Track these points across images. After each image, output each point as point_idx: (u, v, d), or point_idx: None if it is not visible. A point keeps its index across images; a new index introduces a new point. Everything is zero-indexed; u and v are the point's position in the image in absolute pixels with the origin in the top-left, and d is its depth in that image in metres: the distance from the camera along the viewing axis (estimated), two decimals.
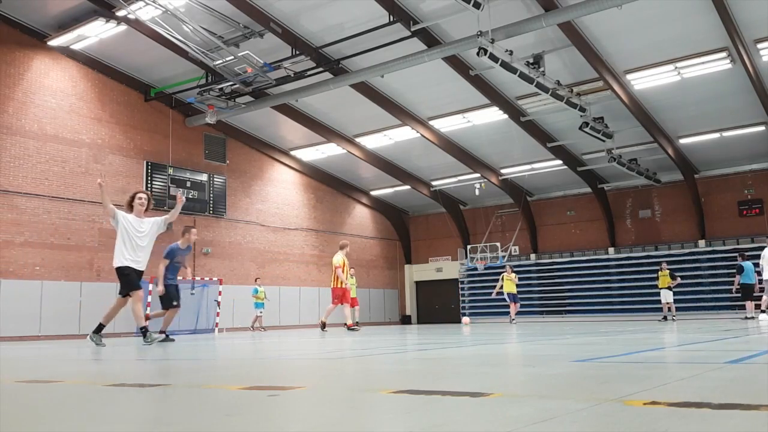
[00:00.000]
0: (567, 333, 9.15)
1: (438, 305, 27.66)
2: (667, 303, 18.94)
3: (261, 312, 20.70)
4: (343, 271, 14.12)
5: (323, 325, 14.35)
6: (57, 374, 4.03)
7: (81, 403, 2.52)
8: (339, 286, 14.17)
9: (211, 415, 2.03)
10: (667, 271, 19.13)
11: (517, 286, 19.99)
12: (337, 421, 1.87)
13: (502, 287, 19.66)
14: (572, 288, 24.21)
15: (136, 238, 8.46)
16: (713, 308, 21.05)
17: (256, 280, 21.19)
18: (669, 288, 18.97)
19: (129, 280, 8.38)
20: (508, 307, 20.06)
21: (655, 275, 19.82)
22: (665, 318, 18.82)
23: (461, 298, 26.66)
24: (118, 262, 8.38)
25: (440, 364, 4.18)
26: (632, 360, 3.79)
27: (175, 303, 10.53)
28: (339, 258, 14.19)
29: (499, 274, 24.81)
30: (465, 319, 21.39)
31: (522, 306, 22.29)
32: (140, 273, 8.52)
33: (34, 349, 9.16)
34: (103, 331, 8.44)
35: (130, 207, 8.69)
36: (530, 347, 5.65)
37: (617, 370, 3.18)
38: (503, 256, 24.84)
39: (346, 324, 14.44)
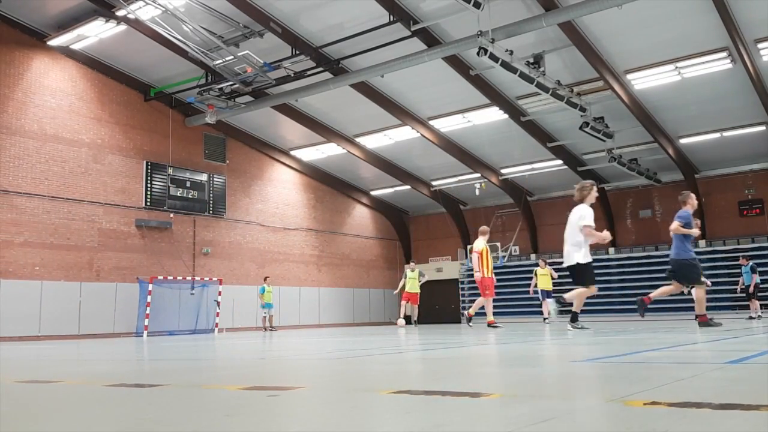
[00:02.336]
0: (567, 333, 9.16)
1: (438, 305, 27.63)
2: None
3: (267, 312, 20.36)
4: (482, 260, 12.56)
5: (469, 319, 13.22)
6: (57, 374, 4.02)
7: (80, 403, 2.52)
8: (486, 275, 12.68)
9: (211, 415, 2.02)
10: None
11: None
12: (337, 422, 1.86)
13: (536, 284, 18.66)
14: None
15: None
16: (713, 308, 21.01)
17: (265, 279, 20.74)
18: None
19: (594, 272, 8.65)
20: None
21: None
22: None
23: (461, 299, 26.65)
24: (590, 258, 8.87)
25: (440, 364, 4.18)
26: (632, 360, 3.79)
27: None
28: (481, 243, 12.72)
29: (499, 274, 24.66)
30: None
31: (522, 306, 22.26)
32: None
33: (34, 349, 9.15)
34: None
35: (583, 199, 9.02)
36: (530, 347, 5.65)
37: (617, 370, 3.18)
38: (503, 257, 24.82)
39: (487, 321, 12.73)
